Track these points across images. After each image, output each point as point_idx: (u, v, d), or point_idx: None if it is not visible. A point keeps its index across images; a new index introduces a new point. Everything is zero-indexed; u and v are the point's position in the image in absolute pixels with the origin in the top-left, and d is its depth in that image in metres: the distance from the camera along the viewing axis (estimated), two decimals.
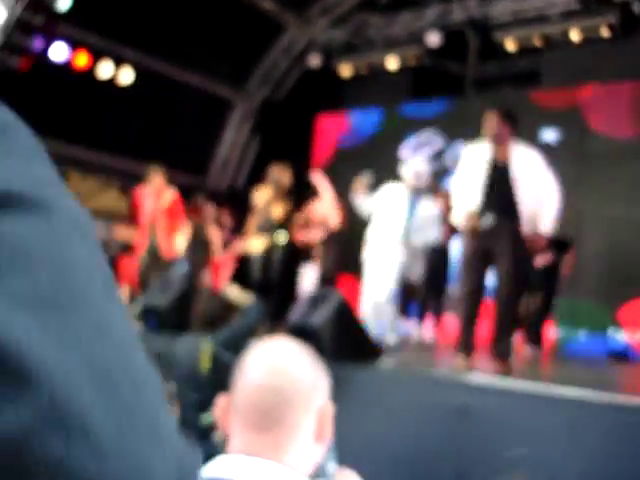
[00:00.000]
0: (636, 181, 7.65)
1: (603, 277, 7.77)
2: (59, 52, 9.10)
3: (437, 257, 6.75)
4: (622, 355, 7.29)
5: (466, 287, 4.44)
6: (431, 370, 4.33)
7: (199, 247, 7.80)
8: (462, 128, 8.86)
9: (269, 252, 6.52)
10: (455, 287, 6.02)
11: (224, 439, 1.10)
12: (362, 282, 6.05)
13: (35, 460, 0.29)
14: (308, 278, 7.48)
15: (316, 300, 4.24)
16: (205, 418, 3.69)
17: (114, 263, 9.18)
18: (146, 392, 0.34)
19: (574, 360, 6.96)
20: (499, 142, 4.38)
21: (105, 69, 9.60)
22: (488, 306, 4.64)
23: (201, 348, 3.87)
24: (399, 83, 10.02)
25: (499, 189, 4.31)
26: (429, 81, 9.89)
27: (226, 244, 8.40)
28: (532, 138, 6.92)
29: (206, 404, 3.67)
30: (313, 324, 4.03)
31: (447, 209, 6.39)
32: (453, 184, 4.78)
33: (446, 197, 6.84)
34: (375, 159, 8.97)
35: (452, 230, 6.51)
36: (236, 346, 3.78)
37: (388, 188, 5.79)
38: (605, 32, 8.10)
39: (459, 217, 4.57)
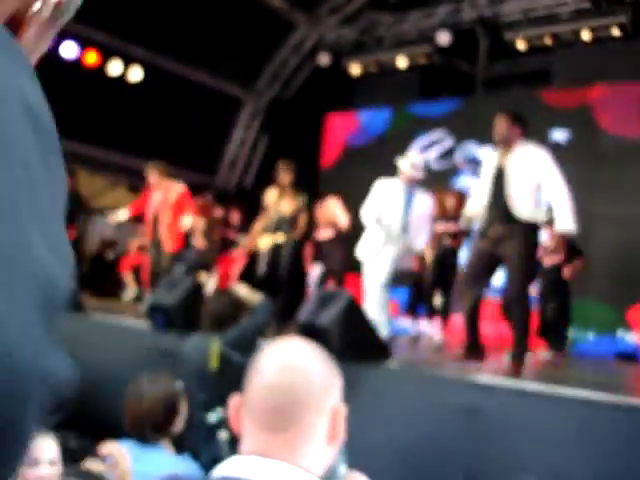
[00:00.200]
0: None
1: (612, 278, 7.74)
2: (69, 50, 9.13)
3: (446, 257, 6.73)
4: (631, 356, 7.27)
5: (467, 288, 4.44)
6: (440, 370, 4.32)
7: (208, 243, 7.81)
8: (472, 127, 8.85)
9: (277, 250, 6.50)
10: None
11: (229, 438, 1.10)
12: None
13: None
14: (316, 277, 7.48)
15: (325, 299, 4.23)
16: (211, 417, 3.69)
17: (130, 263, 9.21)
18: None
19: (583, 361, 6.93)
20: (508, 145, 4.39)
21: (114, 67, 9.64)
22: (494, 306, 4.62)
23: (210, 347, 3.87)
24: (409, 82, 10.00)
25: (507, 191, 4.30)
26: (439, 80, 9.88)
27: (234, 243, 8.41)
28: (542, 138, 6.91)
29: (213, 403, 3.67)
30: (322, 323, 4.03)
31: (457, 208, 6.37)
32: (474, 188, 4.80)
33: (457, 197, 6.82)
34: (384, 158, 8.95)
35: (462, 231, 6.49)
36: (245, 345, 3.78)
37: (383, 183, 5.69)
38: (616, 32, 8.06)
39: (469, 217, 4.59)
